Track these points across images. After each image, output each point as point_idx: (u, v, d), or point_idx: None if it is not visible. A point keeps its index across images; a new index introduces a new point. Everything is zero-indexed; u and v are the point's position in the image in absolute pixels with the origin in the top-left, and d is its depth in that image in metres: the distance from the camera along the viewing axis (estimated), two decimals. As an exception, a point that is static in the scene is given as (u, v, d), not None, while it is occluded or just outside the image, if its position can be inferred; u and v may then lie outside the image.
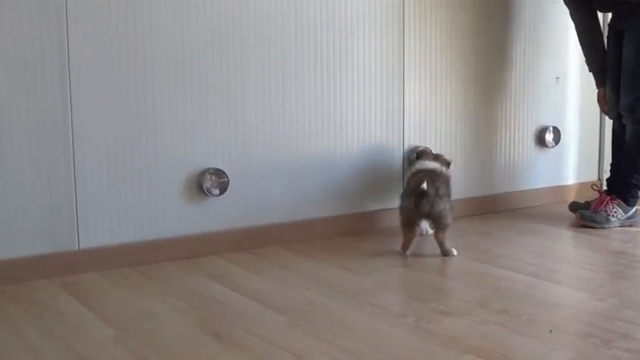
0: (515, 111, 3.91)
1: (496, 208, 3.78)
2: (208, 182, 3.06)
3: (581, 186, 4.19)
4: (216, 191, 3.08)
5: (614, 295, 2.54)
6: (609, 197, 3.53)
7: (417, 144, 3.61)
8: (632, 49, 3.44)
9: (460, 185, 3.66)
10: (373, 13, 3.43)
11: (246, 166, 3.16)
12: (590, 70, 3.65)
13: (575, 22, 3.62)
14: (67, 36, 2.73)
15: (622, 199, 3.53)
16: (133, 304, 2.50)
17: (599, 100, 3.70)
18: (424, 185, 2.99)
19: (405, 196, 3.13)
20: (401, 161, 3.60)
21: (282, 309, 2.41)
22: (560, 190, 4.15)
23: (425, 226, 3.20)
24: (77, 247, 2.83)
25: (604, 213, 3.51)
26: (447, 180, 3.15)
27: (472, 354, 2.02)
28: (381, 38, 3.47)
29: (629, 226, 3.54)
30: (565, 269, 2.92)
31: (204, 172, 3.04)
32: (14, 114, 2.66)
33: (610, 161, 3.78)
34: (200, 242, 3.06)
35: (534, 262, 3.00)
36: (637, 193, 3.55)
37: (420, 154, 3.45)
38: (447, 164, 3.35)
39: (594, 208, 3.54)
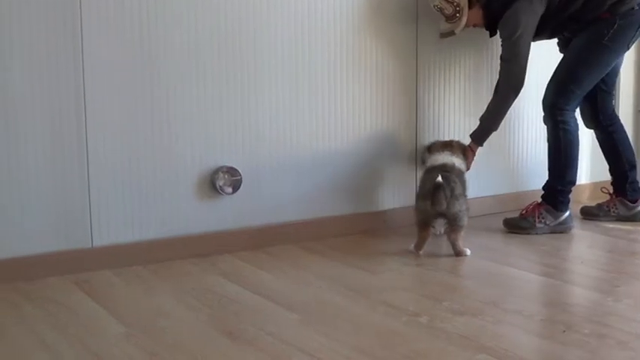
0: (528, 109, 3.89)
1: (509, 207, 3.77)
2: (221, 180, 3.06)
3: (594, 186, 4.17)
4: (229, 189, 3.08)
5: (629, 296, 2.53)
6: (537, 203, 3.50)
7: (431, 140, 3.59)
8: (576, 47, 3.39)
9: (472, 184, 3.63)
10: (387, 9, 3.43)
11: (259, 164, 3.16)
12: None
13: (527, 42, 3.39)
14: (82, 34, 2.73)
15: (551, 206, 3.47)
16: (145, 302, 2.50)
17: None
18: (439, 179, 2.97)
19: (420, 196, 3.11)
20: (414, 160, 3.59)
21: (295, 307, 2.41)
22: (574, 189, 4.12)
23: (439, 226, 3.19)
24: (91, 245, 2.84)
25: (530, 219, 3.46)
26: (461, 176, 3.14)
27: (485, 354, 2.01)
28: (394, 35, 3.46)
29: (561, 232, 3.45)
30: (579, 269, 2.91)
31: (217, 171, 3.05)
32: (29, 113, 2.67)
33: (608, 166, 3.78)
34: (213, 240, 3.06)
35: (548, 262, 2.99)
36: (566, 197, 3.49)
37: (431, 146, 3.42)
38: (462, 149, 3.34)
39: (522, 215, 3.50)
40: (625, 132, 3.74)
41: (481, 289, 2.63)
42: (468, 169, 3.39)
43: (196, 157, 3.02)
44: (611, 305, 2.44)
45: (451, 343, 2.09)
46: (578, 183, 4.15)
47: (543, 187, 3.56)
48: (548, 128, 3.47)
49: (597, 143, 3.78)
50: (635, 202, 3.70)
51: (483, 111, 3.49)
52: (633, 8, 3.28)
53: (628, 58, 4.15)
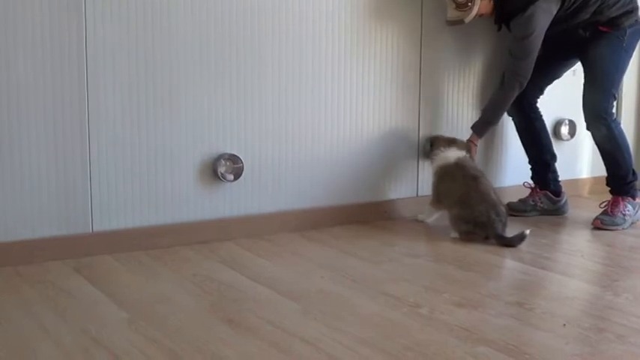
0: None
1: (511, 200, 3.76)
2: (223, 168, 3.05)
3: (596, 180, 4.17)
4: (231, 177, 3.07)
5: (629, 290, 2.53)
6: (619, 198, 3.51)
7: (433, 134, 3.59)
8: (604, 56, 3.41)
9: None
10: (392, 1, 3.41)
11: (261, 152, 3.16)
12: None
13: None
14: (85, 20, 2.72)
15: (631, 197, 3.51)
16: (146, 287, 2.50)
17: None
18: (527, 232, 3.09)
19: (460, 205, 3.17)
20: (415, 151, 3.59)
21: (296, 296, 2.41)
22: (575, 183, 4.13)
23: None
24: (91, 230, 2.84)
25: (621, 215, 3.47)
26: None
27: (486, 346, 2.01)
28: (398, 27, 3.45)
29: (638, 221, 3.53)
30: (579, 263, 2.91)
31: (219, 158, 3.04)
32: (31, 99, 2.66)
33: (528, 157, 3.79)
34: (214, 227, 3.06)
35: (548, 256, 2.99)
36: (636, 186, 3.55)
37: (435, 141, 3.45)
38: (465, 146, 3.41)
39: (612, 212, 3.48)
40: (544, 122, 3.76)
41: (482, 282, 2.63)
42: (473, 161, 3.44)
43: (198, 144, 3.01)
44: (611, 299, 2.44)
45: (452, 335, 2.09)
46: (578, 177, 4.18)
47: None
48: (601, 133, 3.47)
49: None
50: (558, 195, 3.73)
51: (486, 103, 3.51)
52: (637, 21, 3.40)
53: (633, 64, 4.14)
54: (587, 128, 3.51)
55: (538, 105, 3.72)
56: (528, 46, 3.31)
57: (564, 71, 3.68)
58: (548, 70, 3.59)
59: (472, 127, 3.53)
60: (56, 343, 2.01)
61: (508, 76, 3.42)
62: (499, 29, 3.52)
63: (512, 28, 3.38)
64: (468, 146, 3.43)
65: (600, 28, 3.38)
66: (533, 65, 3.36)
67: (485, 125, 3.53)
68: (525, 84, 3.39)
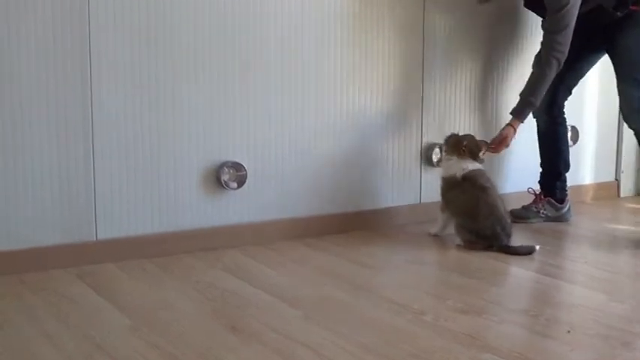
0: (534, 110, 3.88)
1: (514, 207, 3.76)
2: (226, 175, 3.05)
3: (598, 186, 4.17)
4: (234, 185, 3.07)
5: (633, 297, 2.52)
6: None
7: (435, 141, 3.59)
8: (630, 43, 3.38)
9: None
10: (393, 6, 3.42)
11: (265, 160, 3.16)
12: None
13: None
14: (89, 26, 2.73)
15: None
16: (149, 295, 2.50)
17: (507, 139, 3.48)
18: (538, 248, 3.08)
19: (470, 217, 3.13)
20: (419, 157, 3.59)
21: (299, 303, 2.40)
22: (577, 189, 4.12)
23: None
24: (95, 238, 2.83)
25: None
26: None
27: (490, 353, 2.00)
28: (400, 33, 3.45)
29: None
30: (583, 270, 2.90)
31: (222, 166, 3.04)
32: (34, 105, 2.67)
33: (542, 161, 3.78)
34: (217, 235, 3.06)
35: (552, 262, 2.98)
36: None
37: (445, 142, 3.35)
38: (471, 150, 3.30)
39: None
40: (567, 129, 3.75)
41: (486, 288, 2.62)
42: (507, 145, 3.43)
43: (201, 151, 3.01)
44: (615, 306, 2.44)
45: (456, 342, 2.08)
46: (581, 183, 4.17)
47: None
48: None
49: (601, 144, 3.76)
50: (562, 202, 3.72)
51: (523, 87, 3.47)
52: None
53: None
54: (626, 121, 3.50)
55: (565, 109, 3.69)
56: (563, 18, 3.24)
57: (590, 67, 3.63)
58: (575, 64, 3.50)
59: (511, 112, 3.45)
60: (59, 349, 2.00)
61: (544, 52, 3.34)
62: (525, 5, 3.52)
63: (546, 1, 3.30)
64: (478, 146, 3.32)
65: (632, 7, 3.32)
66: (569, 40, 3.28)
67: (525, 107, 3.43)
68: (563, 61, 3.30)
